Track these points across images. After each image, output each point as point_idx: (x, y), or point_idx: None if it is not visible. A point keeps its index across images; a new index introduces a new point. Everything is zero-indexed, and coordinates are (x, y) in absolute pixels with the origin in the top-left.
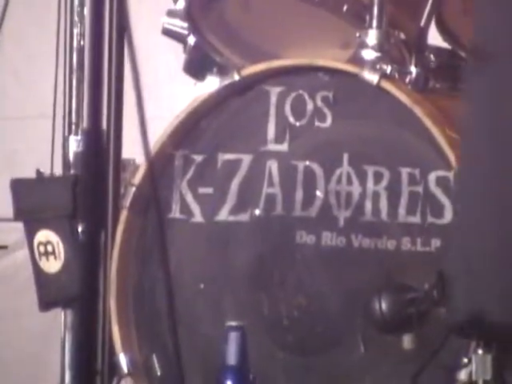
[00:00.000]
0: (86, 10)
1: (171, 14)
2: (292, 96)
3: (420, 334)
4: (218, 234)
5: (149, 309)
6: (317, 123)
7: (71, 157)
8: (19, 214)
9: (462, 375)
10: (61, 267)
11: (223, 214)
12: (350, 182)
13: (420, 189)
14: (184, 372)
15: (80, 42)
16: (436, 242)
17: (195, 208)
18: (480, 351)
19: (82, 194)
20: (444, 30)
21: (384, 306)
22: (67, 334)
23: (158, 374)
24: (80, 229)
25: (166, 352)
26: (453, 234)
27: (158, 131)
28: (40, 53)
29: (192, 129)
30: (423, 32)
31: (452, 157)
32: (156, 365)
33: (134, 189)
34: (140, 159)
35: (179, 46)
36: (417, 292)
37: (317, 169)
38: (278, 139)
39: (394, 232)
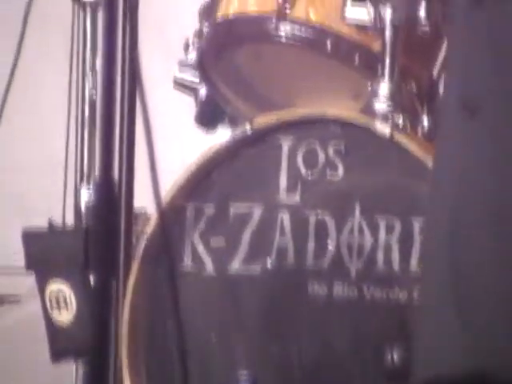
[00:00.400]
0: (98, 63)
1: (182, 65)
2: (304, 147)
3: None
4: (230, 285)
5: (161, 360)
6: (329, 174)
7: (83, 207)
8: (31, 264)
9: None
10: (72, 318)
11: (235, 266)
12: (361, 232)
13: None
14: None
15: (92, 94)
16: None
17: (207, 259)
18: None
19: (93, 244)
20: None
21: (396, 357)
22: None
23: None
24: (92, 280)
25: None
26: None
27: (170, 182)
28: (52, 103)
29: (203, 180)
30: (435, 82)
31: None
32: None
33: (145, 240)
34: (151, 210)
35: (191, 97)
36: None
37: (328, 220)
38: (290, 190)
39: (406, 283)
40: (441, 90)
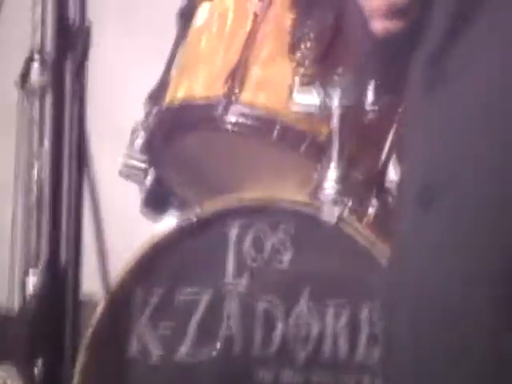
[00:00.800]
0: (45, 147)
1: (130, 150)
2: (251, 232)
3: None
4: (177, 372)
5: None
6: (277, 259)
7: (30, 292)
8: None
9: None
10: None
11: (182, 353)
12: (309, 318)
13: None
14: None
15: (40, 176)
16: None
17: (154, 347)
18: None
19: (39, 330)
20: None
21: None
22: None
23: None
24: (38, 367)
25: None
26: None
27: (118, 267)
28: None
29: (151, 265)
30: (383, 170)
31: None
32: None
33: (92, 326)
34: (99, 296)
35: (139, 181)
36: None
37: (276, 306)
38: (238, 276)
39: (354, 370)
40: (389, 174)
